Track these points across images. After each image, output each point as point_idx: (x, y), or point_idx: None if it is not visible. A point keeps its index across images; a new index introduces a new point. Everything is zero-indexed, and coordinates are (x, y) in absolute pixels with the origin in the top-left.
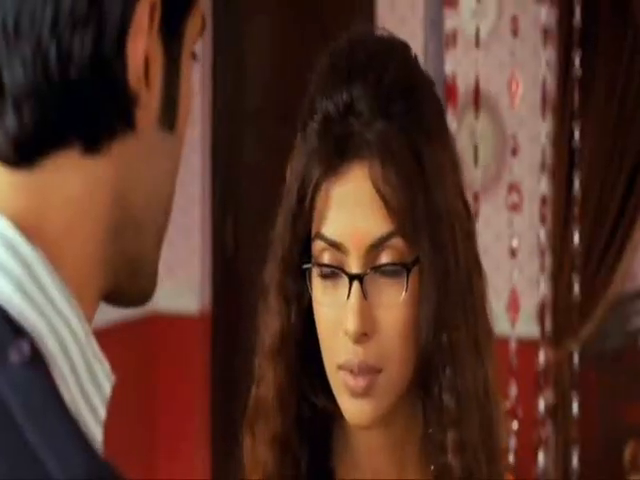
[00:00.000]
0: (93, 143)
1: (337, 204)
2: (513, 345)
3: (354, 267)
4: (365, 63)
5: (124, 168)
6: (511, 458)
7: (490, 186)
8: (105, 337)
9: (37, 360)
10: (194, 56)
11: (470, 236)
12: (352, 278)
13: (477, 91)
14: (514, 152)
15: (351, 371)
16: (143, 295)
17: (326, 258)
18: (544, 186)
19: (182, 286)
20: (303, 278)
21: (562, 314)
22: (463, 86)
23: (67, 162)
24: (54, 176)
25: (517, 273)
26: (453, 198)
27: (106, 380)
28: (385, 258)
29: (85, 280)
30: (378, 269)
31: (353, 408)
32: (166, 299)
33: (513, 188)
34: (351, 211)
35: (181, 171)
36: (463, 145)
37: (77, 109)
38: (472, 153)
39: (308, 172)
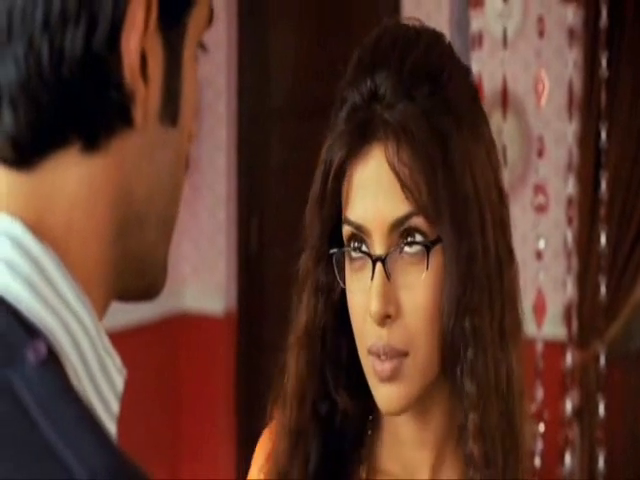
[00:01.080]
0: (92, 141)
1: (360, 187)
2: (539, 347)
3: (378, 249)
4: (389, 49)
5: (125, 165)
6: (537, 460)
7: (516, 187)
8: (131, 337)
9: (52, 359)
10: (202, 47)
11: (503, 225)
12: (375, 260)
13: (504, 92)
14: (540, 153)
15: (378, 355)
16: (152, 290)
17: (353, 242)
18: (571, 187)
19: (208, 287)
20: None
21: (588, 315)
22: (489, 87)
23: (67, 161)
24: (55, 176)
25: (543, 274)
26: (484, 185)
27: (118, 375)
28: (407, 237)
29: (92, 279)
30: (400, 249)
31: (382, 393)
32: (192, 299)
33: (539, 189)
34: (373, 193)
35: (207, 172)
36: None
37: (73, 107)
38: (499, 154)
39: (331, 156)
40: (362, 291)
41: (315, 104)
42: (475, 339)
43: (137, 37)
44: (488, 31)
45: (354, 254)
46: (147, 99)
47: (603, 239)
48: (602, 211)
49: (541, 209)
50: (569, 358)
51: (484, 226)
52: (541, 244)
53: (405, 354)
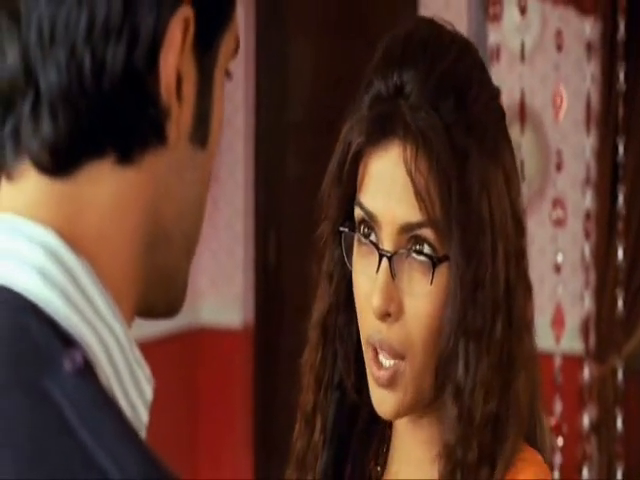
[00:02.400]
0: (126, 154)
1: (375, 177)
2: (557, 361)
3: (386, 244)
4: (420, 48)
5: (156, 181)
6: (556, 474)
7: (534, 201)
8: (150, 350)
9: (87, 368)
10: (228, 74)
11: (518, 255)
12: (382, 255)
13: (522, 106)
14: (558, 167)
15: (375, 350)
16: (172, 307)
17: (363, 227)
18: (588, 201)
19: (225, 300)
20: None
21: (606, 329)
22: (507, 101)
23: (100, 172)
24: (88, 186)
25: (561, 288)
26: (500, 213)
27: (147, 384)
28: (415, 245)
29: (120, 291)
30: (407, 253)
31: (378, 397)
32: (210, 313)
33: (557, 203)
34: (387, 188)
35: (225, 185)
36: None
37: (110, 118)
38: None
39: (350, 139)
40: (367, 277)
41: (332, 118)
42: (467, 363)
43: (175, 56)
44: (506, 45)
45: (363, 239)
46: (180, 118)
47: (620, 253)
48: (619, 225)
49: (559, 223)
50: (587, 372)
51: (495, 254)
52: (559, 258)
53: (402, 357)
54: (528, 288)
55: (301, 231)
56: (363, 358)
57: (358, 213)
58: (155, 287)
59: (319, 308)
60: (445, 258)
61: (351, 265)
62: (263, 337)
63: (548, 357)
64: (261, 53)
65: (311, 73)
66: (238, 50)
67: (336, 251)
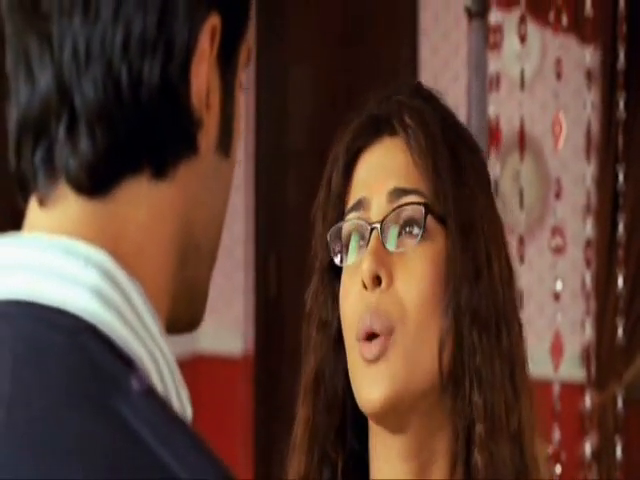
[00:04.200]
0: (161, 168)
1: (363, 172)
2: (556, 388)
3: (374, 217)
4: (411, 95)
5: (187, 193)
6: None
7: (534, 229)
8: None
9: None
10: (241, 85)
11: (510, 289)
12: (372, 227)
13: (522, 134)
14: (558, 195)
15: (364, 335)
16: (195, 320)
17: (353, 234)
18: (589, 229)
19: (225, 327)
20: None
21: (606, 357)
22: (507, 129)
23: (137, 189)
24: (126, 204)
25: (561, 316)
26: (492, 232)
27: (189, 405)
28: (405, 205)
29: (159, 309)
30: (398, 213)
31: (367, 380)
32: (209, 340)
33: (556, 231)
34: (379, 169)
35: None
36: (507, 188)
37: (147, 133)
38: (517, 196)
39: (337, 149)
40: (355, 291)
41: (333, 144)
42: (483, 352)
43: (206, 65)
44: (506, 73)
45: (352, 243)
46: (209, 128)
47: (620, 281)
48: (620, 253)
49: (558, 251)
50: (587, 400)
51: (490, 261)
52: (558, 286)
53: (392, 330)
54: (518, 320)
55: (302, 258)
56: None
57: (346, 227)
58: (181, 300)
59: (308, 379)
60: (437, 216)
61: (341, 262)
62: (263, 365)
63: (547, 385)
64: (261, 79)
65: (312, 99)
66: (250, 62)
67: (326, 305)
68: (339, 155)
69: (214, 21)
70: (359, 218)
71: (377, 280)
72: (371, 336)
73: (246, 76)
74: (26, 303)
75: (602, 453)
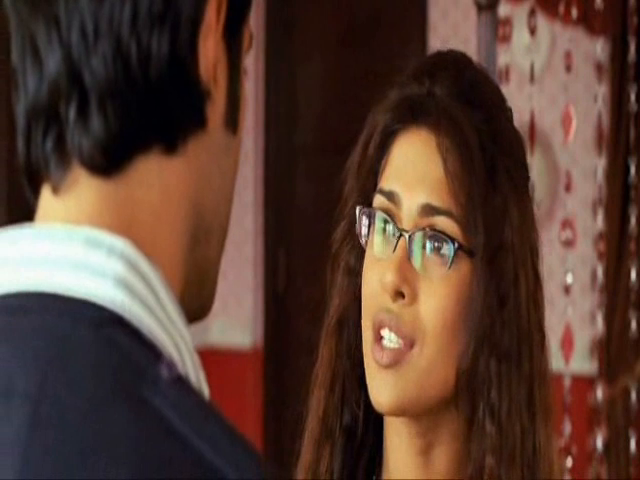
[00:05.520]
0: (172, 143)
1: (401, 162)
2: (567, 382)
3: (405, 224)
4: (449, 63)
5: (198, 170)
6: None
7: (543, 222)
8: None
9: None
10: (245, 71)
11: (535, 303)
12: (401, 234)
13: (532, 127)
14: (568, 188)
15: (379, 333)
16: (205, 307)
17: (382, 210)
18: (600, 222)
19: (234, 321)
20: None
21: (617, 350)
22: (516, 122)
23: (149, 168)
24: (139, 185)
25: (571, 309)
26: (520, 247)
27: (206, 390)
28: (435, 231)
29: (174, 295)
30: (426, 235)
31: (378, 383)
32: (218, 334)
33: (567, 224)
34: (413, 171)
35: (234, 206)
36: None
37: (157, 108)
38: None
39: (377, 120)
40: (380, 263)
41: (341, 140)
42: (500, 383)
43: (213, 39)
44: (515, 66)
45: (379, 223)
46: (217, 102)
47: (633, 274)
48: (631, 246)
49: (568, 244)
50: (598, 393)
51: (517, 283)
52: (569, 279)
53: (411, 341)
54: (543, 337)
55: (311, 253)
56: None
57: (378, 200)
58: (191, 285)
59: (331, 320)
60: (466, 251)
61: (366, 245)
62: (272, 358)
63: (557, 378)
64: (270, 74)
65: (321, 95)
66: (251, 47)
67: (349, 259)
68: (374, 132)
69: None
70: (389, 211)
71: (400, 293)
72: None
73: (256, 73)
74: (48, 295)
75: (612, 446)
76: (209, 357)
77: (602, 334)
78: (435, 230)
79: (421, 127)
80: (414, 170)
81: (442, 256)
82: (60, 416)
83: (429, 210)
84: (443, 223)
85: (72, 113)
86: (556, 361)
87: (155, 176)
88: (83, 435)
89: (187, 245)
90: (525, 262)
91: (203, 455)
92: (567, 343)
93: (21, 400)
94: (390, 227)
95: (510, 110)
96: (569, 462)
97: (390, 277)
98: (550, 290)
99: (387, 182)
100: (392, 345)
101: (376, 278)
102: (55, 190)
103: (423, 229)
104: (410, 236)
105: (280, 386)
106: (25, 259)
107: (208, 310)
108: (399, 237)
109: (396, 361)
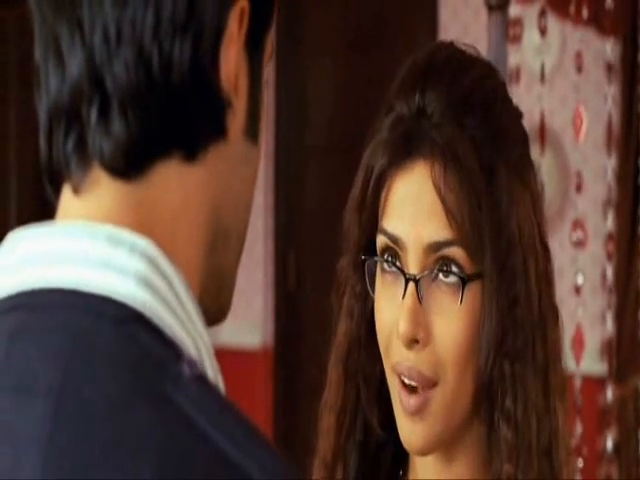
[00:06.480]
0: (192, 151)
1: (400, 200)
2: (578, 382)
3: (412, 267)
4: (442, 68)
5: (217, 178)
6: None
7: (554, 222)
8: None
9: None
10: (266, 80)
11: (546, 277)
12: (408, 279)
13: (542, 127)
14: (578, 188)
15: (403, 381)
16: (222, 312)
17: (387, 254)
18: (610, 222)
19: (245, 321)
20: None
21: (627, 351)
22: (527, 122)
23: (169, 172)
24: (160, 189)
25: (581, 310)
26: (528, 232)
27: (223, 391)
28: (443, 265)
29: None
30: (434, 275)
31: (407, 429)
32: (229, 334)
33: (577, 224)
34: (413, 209)
35: None
36: None
37: (178, 114)
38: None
39: (373, 162)
40: (391, 307)
41: (352, 141)
42: (515, 386)
43: (235, 49)
44: (526, 66)
45: (387, 266)
46: (238, 111)
47: None
48: None
49: (579, 244)
50: (609, 394)
51: (527, 271)
52: (579, 279)
53: (434, 384)
54: (556, 312)
55: (321, 253)
56: (387, 396)
57: (381, 241)
58: (209, 290)
59: (340, 345)
60: (475, 276)
61: (374, 294)
62: (283, 359)
63: (568, 378)
64: (281, 76)
65: (331, 96)
66: (272, 56)
67: (357, 285)
68: (371, 177)
69: (242, 3)
70: (394, 254)
71: (415, 340)
72: (410, 388)
73: (270, 61)
74: (71, 292)
75: (623, 446)
76: (219, 357)
77: (612, 335)
78: (443, 259)
79: (415, 161)
80: (413, 207)
81: (452, 287)
82: (82, 412)
83: (434, 246)
84: (450, 252)
85: (93, 115)
86: (567, 362)
87: (175, 182)
88: (105, 431)
89: (205, 250)
90: (533, 255)
91: (226, 453)
92: (578, 344)
93: (43, 395)
94: (397, 273)
95: (510, 101)
96: (580, 463)
97: (403, 327)
98: (561, 291)
99: (388, 221)
100: (416, 391)
101: (389, 320)
102: (76, 190)
103: (431, 270)
104: (418, 280)
105: (290, 386)
106: (47, 256)
107: (225, 315)
108: (407, 283)
109: (422, 408)
